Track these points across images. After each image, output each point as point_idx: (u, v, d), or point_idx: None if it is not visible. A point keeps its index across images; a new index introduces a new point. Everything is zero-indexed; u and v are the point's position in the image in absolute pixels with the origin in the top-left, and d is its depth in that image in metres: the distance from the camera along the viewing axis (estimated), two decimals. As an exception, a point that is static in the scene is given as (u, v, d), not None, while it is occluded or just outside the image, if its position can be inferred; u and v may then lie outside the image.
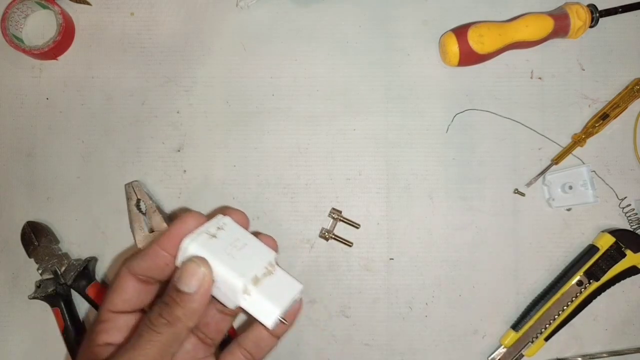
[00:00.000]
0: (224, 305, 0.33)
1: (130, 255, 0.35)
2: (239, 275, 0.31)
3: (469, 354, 0.55)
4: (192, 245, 0.32)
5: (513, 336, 0.53)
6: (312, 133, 0.57)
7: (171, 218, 0.56)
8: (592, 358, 0.54)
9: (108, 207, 0.57)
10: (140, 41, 0.58)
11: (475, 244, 0.56)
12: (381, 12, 0.58)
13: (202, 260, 0.31)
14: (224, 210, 0.36)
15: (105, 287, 0.55)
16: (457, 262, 0.55)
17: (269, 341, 0.37)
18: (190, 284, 0.31)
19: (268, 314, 0.32)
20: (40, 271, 0.54)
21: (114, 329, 0.34)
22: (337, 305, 0.56)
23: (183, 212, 0.34)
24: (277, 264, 0.34)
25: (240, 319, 0.55)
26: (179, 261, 0.33)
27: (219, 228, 0.34)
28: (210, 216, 0.35)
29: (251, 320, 0.34)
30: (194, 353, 0.37)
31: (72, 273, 0.53)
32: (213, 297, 0.33)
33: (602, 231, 0.54)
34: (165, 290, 0.32)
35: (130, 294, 0.35)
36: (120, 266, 0.35)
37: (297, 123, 0.57)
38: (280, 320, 0.32)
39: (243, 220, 0.36)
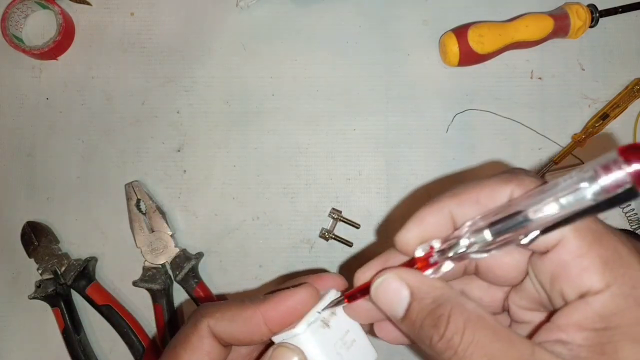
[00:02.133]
0: None
1: (214, 307, 0.29)
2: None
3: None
4: (305, 335, 0.28)
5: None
6: (312, 133, 0.57)
7: (167, 218, 0.56)
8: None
9: (108, 207, 0.57)
10: (140, 41, 0.58)
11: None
12: (381, 12, 0.58)
13: (298, 352, 0.27)
14: (321, 277, 0.32)
15: (102, 288, 0.55)
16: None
17: None
18: None
19: None
20: (40, 271, 0.54)
21: None
22: (337, 305, 0.56)
23: (287, 279, 0.30)
24: None
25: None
26: (279, 339, 0.28)
27: (332, 313, 0.29)
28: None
29: None
30: None
31: (72, 273, 0.53)
32: None
33: (602, 231, 0.54)
34: None
35: (204, 355, 0.29)
36: (198, 315, 0.29)
37: (297, 123, 0.57)
38: None
39: (342, 286, 0.32)
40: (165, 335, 0.53)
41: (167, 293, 0.54)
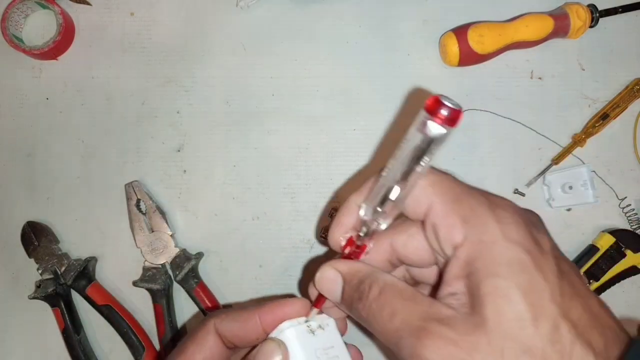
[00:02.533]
0: None
1: (222, 312, 0.34)
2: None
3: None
4: (289, 331, 0.32)
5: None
6: (312, 133, 0.57)
7: (167, 218, 0.56)
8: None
9: (108, 207, 0.57)
10: (140, 41, 0.58)
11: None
12: (381, 12, 0.58)
13: (283, 347, 0.31)
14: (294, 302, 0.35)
15: (102, 288, 0.55)
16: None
17: None
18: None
19: None
20: (40, 271, 0.54)
21: None
22: (337, 305, 0.56)
23: (287, 298, 0.35)
24: None
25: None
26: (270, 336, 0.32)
27: (320, 326, 0.33)
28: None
29: None
30: None
31: (72, 273, 0.53)
32: None
33: (602, 231, 0.54)
34: None
35: (210, 352, 0.33)
36: (207, 317, 0.34)
37: (297, 123, 0.57)
38: None
39: (342, 327, 0.35)
40: (166, 335, 0.53)
41: (167, 293, 0.54)
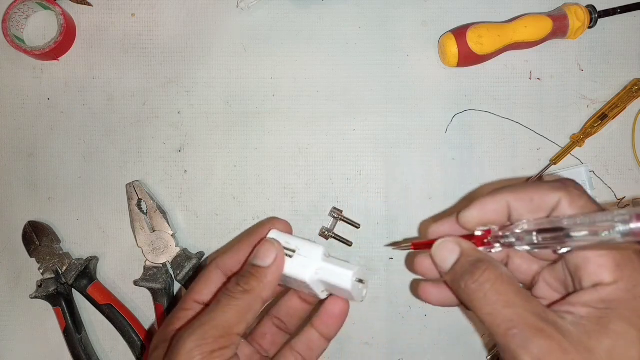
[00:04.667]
0: (297, 291, 0.39)
1: (221, 252, 0.39)
2: (316, 245, 0.37)
3: (469, 354, 0.55)
4: (273, 233, 0.38)
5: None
6: (312, 133, 0.57)
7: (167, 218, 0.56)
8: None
9: (109, 207, 0.57)
10: (141, 42, 0.59)
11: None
12: (381, 13, 0.58)
13: (277, 241, 0.36)
14: (271, 220, 0.40)
15: (103, 287, 0.55)
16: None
17: (320, 343, 0.40)
18: (265, 259, 0.35)
19: (344, 277, 0.36)
20: (41, 271, 0.54)
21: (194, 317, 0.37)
22: (337, 305, 0.56)
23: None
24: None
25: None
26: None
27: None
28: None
29: (304, 325, 0.40)
30: None
31: (73, 273, 0.54)
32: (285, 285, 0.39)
33: (601, 231, 0.55)
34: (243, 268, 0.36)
35: (215, 285, 0.38)
36: (209, 262, 0.39)
37: (298, 123, 0.57)
38: (359, 280, 0.36)
39: (287, 229, 0.40)
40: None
41: (168, 292, 0.55)
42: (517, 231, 0.32)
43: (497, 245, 0.34)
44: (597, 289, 0.29)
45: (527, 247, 0.32)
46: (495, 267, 0.31)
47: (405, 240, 0.37)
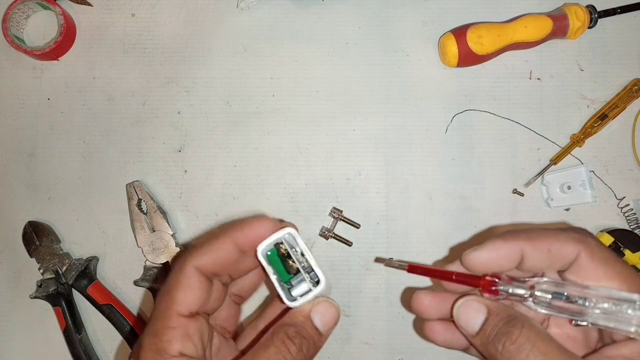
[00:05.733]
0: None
1: (194, 248, 0.33)
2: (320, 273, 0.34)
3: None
4: (287, 232, 0.34)
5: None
6: (312, 133, 0.57)
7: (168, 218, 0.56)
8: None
9: (109, 207, 0.57)
10: (141, 42, 0.59)
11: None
12: (381, 13, 0.58)
13: (337, 308, 0.33)
14: (258, 220, 0.35)
15: (103, 287, 0.55)
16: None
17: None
18: (327, 328, 0.32)
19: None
20: (41, 271, 0.54)
21: (186, 337, 0.31)
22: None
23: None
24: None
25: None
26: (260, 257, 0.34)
27: (291, 244, 0.35)
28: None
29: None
30: (221, 348, 0.37)
31: (73, 273, 0.54)
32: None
33: (601, 231, 0.55)
34: (294, 316, 0.33)
35: (200, 291, 0.32)
36: (180, 261, 0.33)
37: (297, 123, 0.57)
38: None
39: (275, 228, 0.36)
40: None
41: (168, 292, 0.54)
42: (533, 285, 0.30)
43: (503, 295, 0.31)
44: (634, 341, 0.28)
45: (538, 308, 0.30)
46: (531, 325, 0.29)
47: (400, 262, 0.35)
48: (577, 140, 0.55)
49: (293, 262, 0.34)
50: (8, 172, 0.58)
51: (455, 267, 0.34)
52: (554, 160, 0.55)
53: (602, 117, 0.55)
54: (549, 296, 0.29)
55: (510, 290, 0.30)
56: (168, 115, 0.58)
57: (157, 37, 0.58)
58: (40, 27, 0.59)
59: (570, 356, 0.27)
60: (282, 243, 0.34)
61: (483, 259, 0.32)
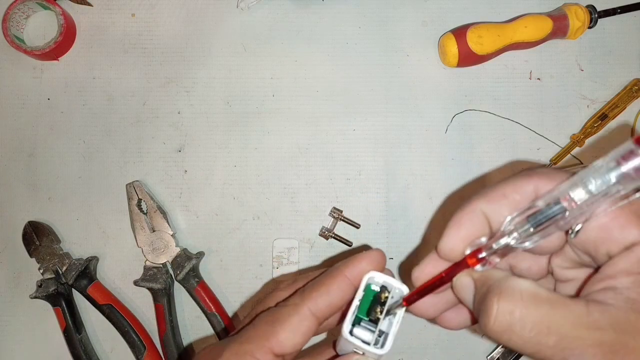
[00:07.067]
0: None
1: (309, 292, 0.31)
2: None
3: (469, 353, 0.55)
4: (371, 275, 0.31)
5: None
6: (312, 133, 0.57)
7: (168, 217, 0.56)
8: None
9: (109, 207, 0.57)
10: (141, 42, 0.59)
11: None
12: (381, 13, 0.58)
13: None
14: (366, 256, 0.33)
15: (103, 287, 0.55)
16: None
17: None
18: None
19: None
20: (41, 271, 0.54)
21: None
22: (337, 305, 0.56)
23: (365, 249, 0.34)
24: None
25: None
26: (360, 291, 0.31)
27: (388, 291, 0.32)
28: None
29: None
30: None
31: (73, 273, 0.54)
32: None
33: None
34: None
35: (304, 338, 0.30)
36: (298, 304, 0.31)
37: (297, 123, 0.57)
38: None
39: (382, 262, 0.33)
40: (167, 334, 0.54)
41: (168, 292, 0.55)
42: (507, 229, 0.28)
43: (495, 260, 0.29)
44: (631, 250, 0.25)
45: (526, 244, 0.27)
46: (508, 288, 0.26)
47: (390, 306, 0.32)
48: (577, 140, 0.55)
49: (381, 312, 0.31)
50: (8, 172, 0.58)
51: (434, 262, 0.31)
52: (554, 160, 0.55)
53: (602, 117, 0.55)
54: (527, 222, 0.27)
55: (495, 247, 0.28)
56: (168, 115, 0.58)
57: (157, 37, 0.58)
58: (40, 27, 0.59)
59: (566, 306, 0.25)
60: (389, 291, 0.31)
61: (455, 242, 0.29)
